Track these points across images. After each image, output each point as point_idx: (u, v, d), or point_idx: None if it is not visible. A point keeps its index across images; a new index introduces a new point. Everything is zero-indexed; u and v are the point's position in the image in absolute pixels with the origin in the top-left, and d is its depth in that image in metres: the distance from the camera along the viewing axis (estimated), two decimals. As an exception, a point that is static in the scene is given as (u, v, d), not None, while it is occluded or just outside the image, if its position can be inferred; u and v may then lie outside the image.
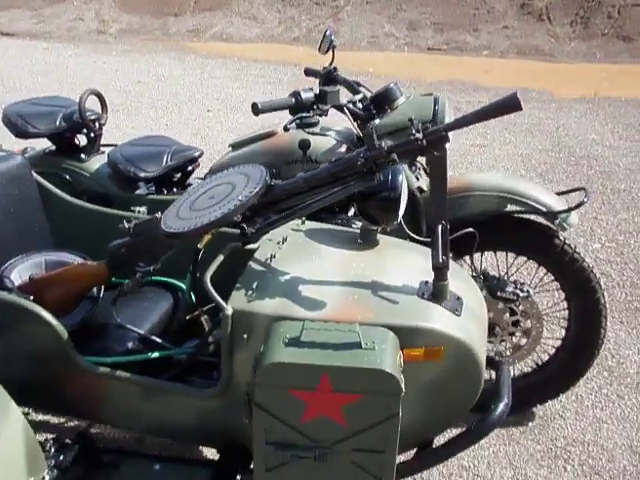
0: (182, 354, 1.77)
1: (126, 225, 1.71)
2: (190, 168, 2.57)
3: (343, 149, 2.25)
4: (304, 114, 2.11)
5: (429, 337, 1.50)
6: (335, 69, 2.43)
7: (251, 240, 1.64)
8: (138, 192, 2.48)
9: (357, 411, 1.41)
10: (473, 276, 2.12)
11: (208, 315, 1.82)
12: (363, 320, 1.48)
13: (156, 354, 1.74)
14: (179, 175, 2.57)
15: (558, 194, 2.30)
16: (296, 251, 1.71)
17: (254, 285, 1.58)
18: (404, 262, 1.73)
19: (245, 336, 1.53)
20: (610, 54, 8.11)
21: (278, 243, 1.74)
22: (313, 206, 1.60)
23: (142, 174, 2.43)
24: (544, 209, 2.15)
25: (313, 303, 1.53)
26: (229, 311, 1.52)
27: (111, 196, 2.47)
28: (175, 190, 2.53)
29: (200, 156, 2.54)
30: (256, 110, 2.03)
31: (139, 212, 2.35)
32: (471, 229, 1.89)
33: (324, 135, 2.26)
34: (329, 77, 2.42)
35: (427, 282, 1.62)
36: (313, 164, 2.19)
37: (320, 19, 9.75)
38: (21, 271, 1.87)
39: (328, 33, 2.56)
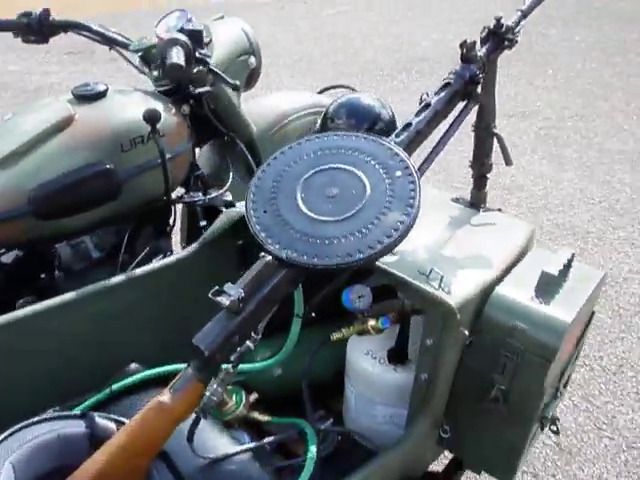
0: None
1: (229, 300, 0.96)
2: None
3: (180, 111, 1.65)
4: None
5: None
6: (47, 10, 1.71)
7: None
8: None
9: None
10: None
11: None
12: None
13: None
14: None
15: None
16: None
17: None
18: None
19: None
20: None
21: None
22: (435, 152, 1.23)
23: None
24: None
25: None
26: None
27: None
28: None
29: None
30: (180, 70, 1.28)
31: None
32: None
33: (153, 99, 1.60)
34: (42, 26, 1.71)
35: None
36: (162, 139, 1.54)
37: None
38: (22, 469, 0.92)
39: None
